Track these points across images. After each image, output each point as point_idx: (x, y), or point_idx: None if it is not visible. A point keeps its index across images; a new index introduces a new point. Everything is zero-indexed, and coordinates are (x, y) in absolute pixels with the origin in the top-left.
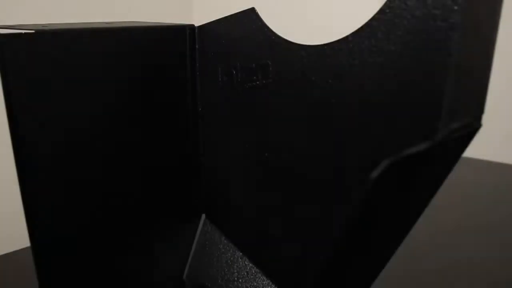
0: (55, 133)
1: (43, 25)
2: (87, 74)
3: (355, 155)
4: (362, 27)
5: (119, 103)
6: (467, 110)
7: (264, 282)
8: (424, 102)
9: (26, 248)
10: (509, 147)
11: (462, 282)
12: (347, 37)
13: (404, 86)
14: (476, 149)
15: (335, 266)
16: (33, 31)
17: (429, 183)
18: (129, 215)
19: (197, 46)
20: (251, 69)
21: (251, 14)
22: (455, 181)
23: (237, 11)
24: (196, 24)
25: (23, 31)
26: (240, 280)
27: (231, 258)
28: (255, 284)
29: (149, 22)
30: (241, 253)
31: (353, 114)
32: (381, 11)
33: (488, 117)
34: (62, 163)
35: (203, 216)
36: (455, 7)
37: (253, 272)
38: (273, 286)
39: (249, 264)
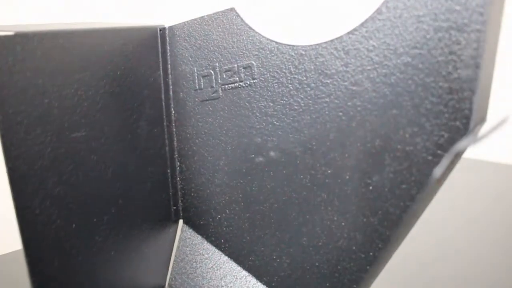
0: (38, 136)
1: (20, 26)
2: (62, 77)
3: (352, 155)
4: (358, 26)
5: (93, 107)
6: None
7: (256, 285)
8: (434, 101)
9: None
10: (510, 147)
11: (461, 282)
12: (341, 37)
13: (407, 85)
14: (476, 150)
15: (377, 260)
16: (12, 33)
17: (444, 178)
18: (103, 223)
19: (168, 48)
20: (233, 70)
21: (231, 14)
22: (455, 181)
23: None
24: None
25: (2, 33)
26: (230, 285)
27: (217, 263)
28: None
29: (118, 23)
30: (227, 257)
31: (350, 112)
32: (378, 11)
33: (488, 118)
34: (43, 166)
35: (181, 221)
36: (457, 7)
37: (242, 275)
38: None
39: (237, 268)
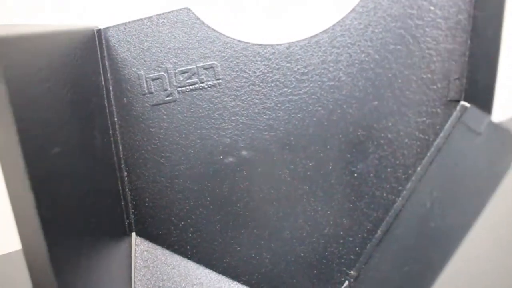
0: (26, 155)
1: None
2: (36, 88)
3: (334, 146)
4: (334, 25)
5: (63, 119)
6: None
7: (232, 285)
8: (414, 91)
9: None
10: None
11: (460, 282)
12: (317, 35)
13: (387, 78)
14: None
15: None
16: None
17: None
18: (82, 244)
19: (105, 50)
20: (192, 71)
21: (185, 14)
22: None
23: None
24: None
25: None
26: None
27: (185, 270)
28: None
29: (52, 25)
30: (195, 264)
31: (330, 106)
32: (354, 10)
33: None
34: (34, 191)
35: (133, 235)
36: (431, 7)
37: (217, 279)
38: (244, 287)
39: (209, 272)
